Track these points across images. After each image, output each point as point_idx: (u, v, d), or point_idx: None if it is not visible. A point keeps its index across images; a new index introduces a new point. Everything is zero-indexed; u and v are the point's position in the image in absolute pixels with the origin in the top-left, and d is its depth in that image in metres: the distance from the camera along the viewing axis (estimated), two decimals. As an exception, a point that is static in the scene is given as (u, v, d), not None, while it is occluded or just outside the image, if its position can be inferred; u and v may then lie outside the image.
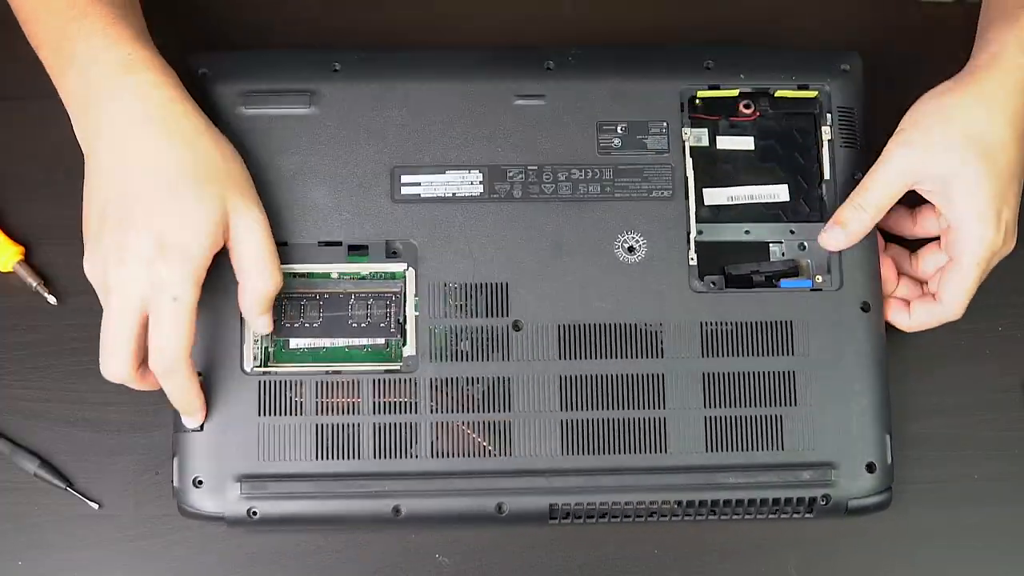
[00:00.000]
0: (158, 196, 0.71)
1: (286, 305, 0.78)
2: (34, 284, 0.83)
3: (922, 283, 0.84)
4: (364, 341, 0.79)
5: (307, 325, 0.78)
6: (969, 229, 0.78)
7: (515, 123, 0.81)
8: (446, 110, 0.81)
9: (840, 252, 0.81)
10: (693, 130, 0.83)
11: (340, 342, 0.78)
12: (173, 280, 0.70)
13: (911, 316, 0.82)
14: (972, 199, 0.77)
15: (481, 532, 0.83)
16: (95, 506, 0.81)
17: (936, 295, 0.81)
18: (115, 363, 0.72)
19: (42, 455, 0.81)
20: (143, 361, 0.73)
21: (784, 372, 0.79)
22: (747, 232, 0.83)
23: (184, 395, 0.73)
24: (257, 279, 0.74)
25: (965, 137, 0.77)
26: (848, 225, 0.79)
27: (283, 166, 0.79)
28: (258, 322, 0.76)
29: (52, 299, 0.83)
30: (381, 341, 0.78)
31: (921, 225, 0.83)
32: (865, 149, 0.83)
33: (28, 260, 0.84)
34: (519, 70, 0.82)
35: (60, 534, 0.81)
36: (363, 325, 0.78)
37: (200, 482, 0.76)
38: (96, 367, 0.81)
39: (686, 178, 0.81)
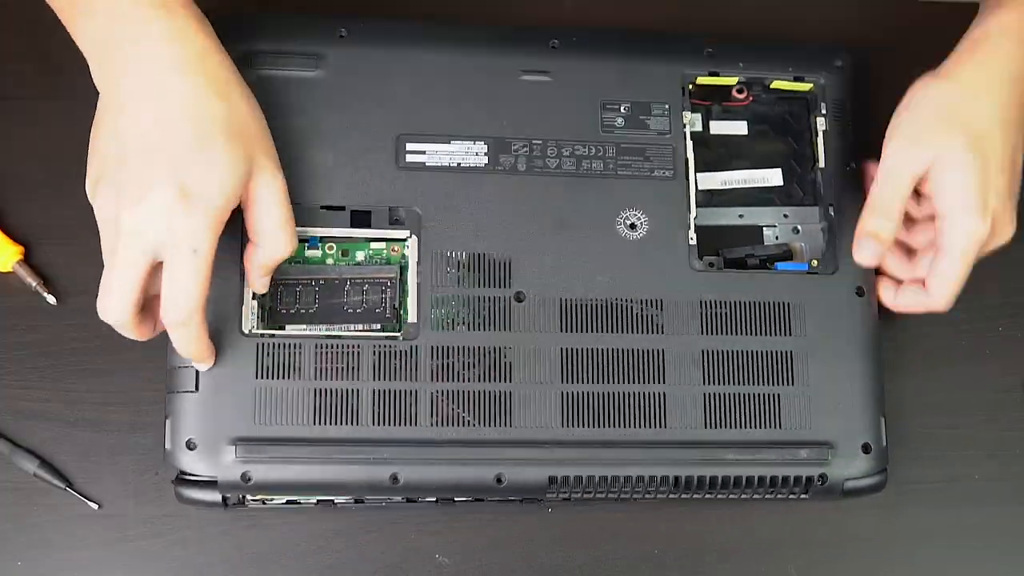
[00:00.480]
0: (188, 145, 0.70)
1: (281, 291, 0.78)
2: (34, 284, 0.83)
3: (911, 252, 0.83)
4: (360, 327, 0.78)
5: (303, 311, 0.78)
6: (956, 219, 0.76)
7: (520, 98, 0.81)
8: (452, 81, 0.81)
9: (835, 237, 0.81)
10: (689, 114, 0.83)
11: (336, 329, 0.78)
12: (194, 231, 0.69)
13: (897, 296, 0.81)
14: (958, 188, 0.76)
15: (481, 532, 0.83)
16: (95, 506, 0.81)
17: (925, 284, 0.79)
18: (118, 307, 0.70)
19: (42, 455, 0.81)
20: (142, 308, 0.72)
21: (781, 352, 0.79)
22: (741, 216, 0.84)
23: (194, 345, 0.72)
24: (274, 243, 0.73)
25: (950, 124, 0.77)
26: (881, 235, 0.77)
27: (288, 128, 0.78)
28: (259, 282, 0.75)
29: (52, 299, 0.83)
30: (377, 327, 0.78)
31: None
32: (856, 141, 0.84)
33: (28, 260, 0.84)
34: (525, 47, 0.82)
35: (60, 534, 0.80)
36: (359, 311, 0.78)
37: (193, 445, 0.74)
38: (96, 367, 0.83)
39: (687, 159, 0.82)
